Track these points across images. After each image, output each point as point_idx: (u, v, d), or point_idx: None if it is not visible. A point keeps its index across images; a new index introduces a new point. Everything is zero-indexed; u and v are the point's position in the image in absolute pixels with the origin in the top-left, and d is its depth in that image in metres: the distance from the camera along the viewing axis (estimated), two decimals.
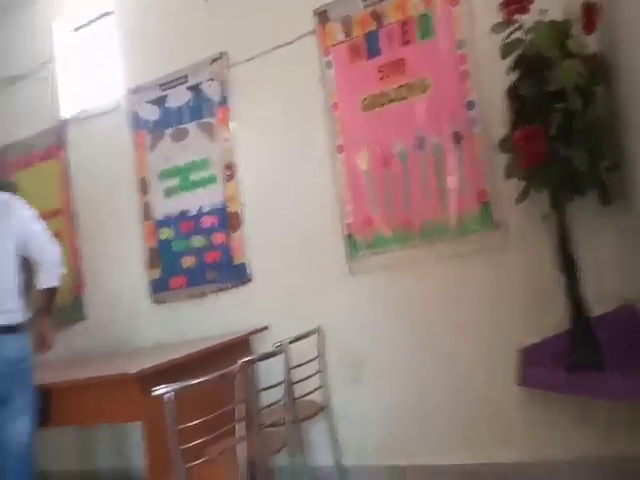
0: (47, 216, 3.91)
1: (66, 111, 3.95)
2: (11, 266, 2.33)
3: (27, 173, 4.09)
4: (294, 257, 3.15)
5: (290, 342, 2.48)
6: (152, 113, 3.62)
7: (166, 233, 3.55)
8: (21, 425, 2.26)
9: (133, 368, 2.28)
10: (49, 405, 2.44)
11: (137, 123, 3.67)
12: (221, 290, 3.34)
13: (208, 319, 3.35)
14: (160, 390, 1.81)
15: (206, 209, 3.42)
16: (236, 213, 3.33)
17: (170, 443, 1.80)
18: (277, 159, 3.22)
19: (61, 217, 3.91)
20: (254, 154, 3.30)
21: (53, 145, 3.97)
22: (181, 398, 1.83)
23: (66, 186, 3.91)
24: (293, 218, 3.16)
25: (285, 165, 3.19)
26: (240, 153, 3.34)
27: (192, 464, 1.84)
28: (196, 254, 3.44)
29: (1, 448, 2.25)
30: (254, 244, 3.26)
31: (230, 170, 3.36)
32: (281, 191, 3.20)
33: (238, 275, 3.30)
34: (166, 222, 3.55)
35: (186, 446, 1.82)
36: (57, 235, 3.83)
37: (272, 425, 2.34)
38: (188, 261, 3.47)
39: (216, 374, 1.93)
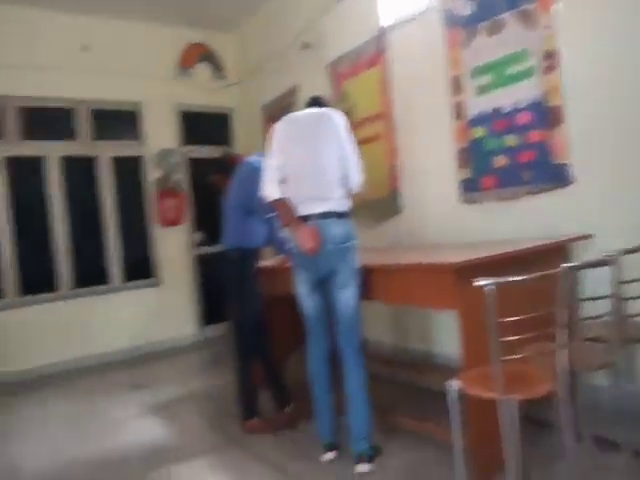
0: (370, 120, 4.15)
1: (385, 19, 3.94)
2: (335, 163, 2.53)
3: (354, 82, 4.32)
4: (629, 158, 2.59)
5: (623, 253, 2.06)
6: (465, 8, 3.32)
7: (478, 132, 3.33)
8: (347, 294, 2.53)
9: (452, 259, 2.25)
10: (370, 283, 2.65)
11: (450, 21, 3.43)
12: (535, 192, 3.02)
13: (520, 222, 3.09)
14: (482, 281, 1.72)
15: (522, 105, 3.05)
16: (557, 107, 2.87)
17: (489, 335, 1.72)
18: (614, 40, 2.60)
19: (382, 120, 4.05)
20: (583, 38, 2.72)
21: (374, 53, 4.06)
22: (499, 293, 1.71)
23: (386, 91, 3.99)
24: (631, 110, 2.56)
25: (624, 45, 2.56)
26: (564, 40, 2.80)
27: (509, 358, 1.74)
28: (509, 153, 3.15)
29: (334, 312, 2.58)
30: (578, 142, 2.78)
31: (551, 60, 2.88)
32: (617, 78, 2.61)
33: (557, 176, 2.90)
34: (478, 121, 3.32)
35: (504, 339, 1.71)
36: (377, 138, 4.08)
37: (594, 340, 2.05)
38: (500, 161, 3.21)
39: (538, 274, 1.73)
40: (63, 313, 5.06)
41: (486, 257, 2.26)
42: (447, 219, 3.55)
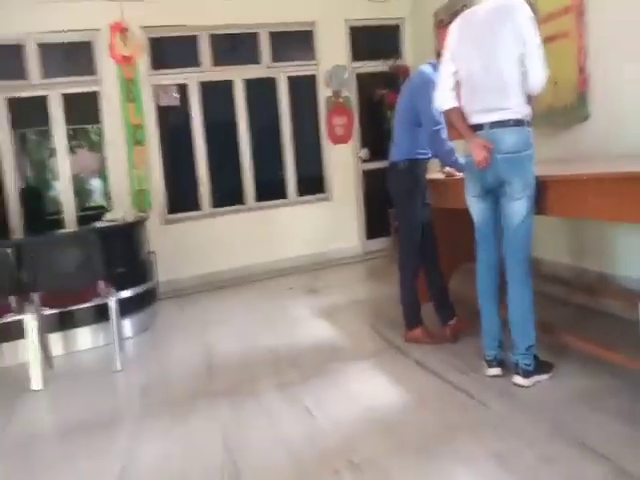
0: (556, 15, 3.61)
1: None
2: (515, 63, 2.31)
3: None
4: None
5: None
6: None
7: None
8: (517, 206, 2.38)
9: None
10: (547, 196, 2.43)
11: None
12: None
13: None
14: None
15: None
16: None
17: None
18: None
19: (571, 14, 3.48)
20: None
21: None
22: None
23: None
24: None
25: None
26: None
27: None
28: None
29: (505, 222, 2.45)
30: None
31: None
32: None
33: None
34: None
35: None
36: (563, 35, 3.55)
37: None
38: None
39: None
40: (248, 224, 5.63)
41: None
42: None
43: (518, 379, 2.42)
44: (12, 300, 3.19)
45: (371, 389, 2.64)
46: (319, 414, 2.42)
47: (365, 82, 5.97)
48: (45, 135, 5.81)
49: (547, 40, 3.55)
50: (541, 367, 2.45)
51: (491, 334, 2.57)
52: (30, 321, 3.11)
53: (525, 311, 2.41)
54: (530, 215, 2.40)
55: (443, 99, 2.53)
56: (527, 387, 2.40)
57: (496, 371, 2.55)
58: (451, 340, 3.06)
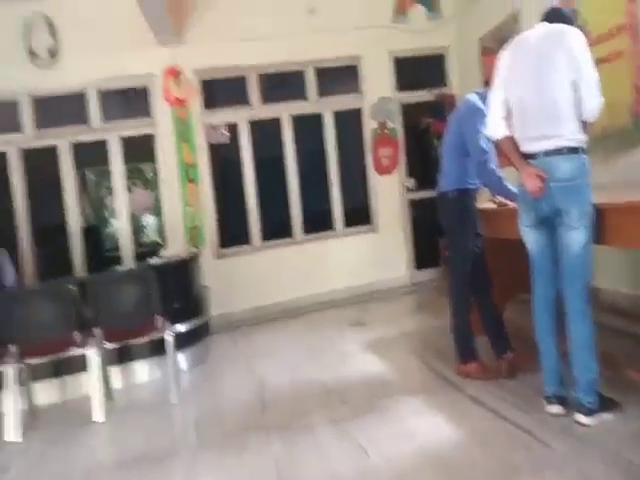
0: (607, 37, 3.58)
1: None
2: (567, 90, 2.29)
3: None
4: None
5: None
6: None
7: None
8: (574, 236, 2.32)
9: None
10: (604, 224, 2.37)
11: None
12: None
13: None
14: None
15: None
16: None
17: None
18: None
19: (624, 34, 3.44)
20: None
21: None
22: None
23: None
24: None
25: None
26: None
27: None
28: None
29: (562, 252, 2.39)
30: None
31: None
32: None
33: None
34: None
35: None
36: (616, 56, 3.50)
37: None
38: None
39: None
40: (296, 256, 5.75)
41: None
42: None
43: (581, 417, 2.33)
44: (76, 335, 3.37)
45: (424, 425, 2.60)
46: (372, 450, 2.41)
47: (411, 111, 6.04)
48: (104, 174, 6.18)
49: (599, 62, 3.54)
50: (605, 404, 2.35)
51: (551, 370, 2.49)
52: (93, 355, 3.28)
53: (585, 344, 2.33)
54: (589, 244, 2.35)
55: (495, 128, 2.52)
56: (591, 426, 2.31)
57: (557, 409, 2.46)
58: (507, 376, 2.98)
